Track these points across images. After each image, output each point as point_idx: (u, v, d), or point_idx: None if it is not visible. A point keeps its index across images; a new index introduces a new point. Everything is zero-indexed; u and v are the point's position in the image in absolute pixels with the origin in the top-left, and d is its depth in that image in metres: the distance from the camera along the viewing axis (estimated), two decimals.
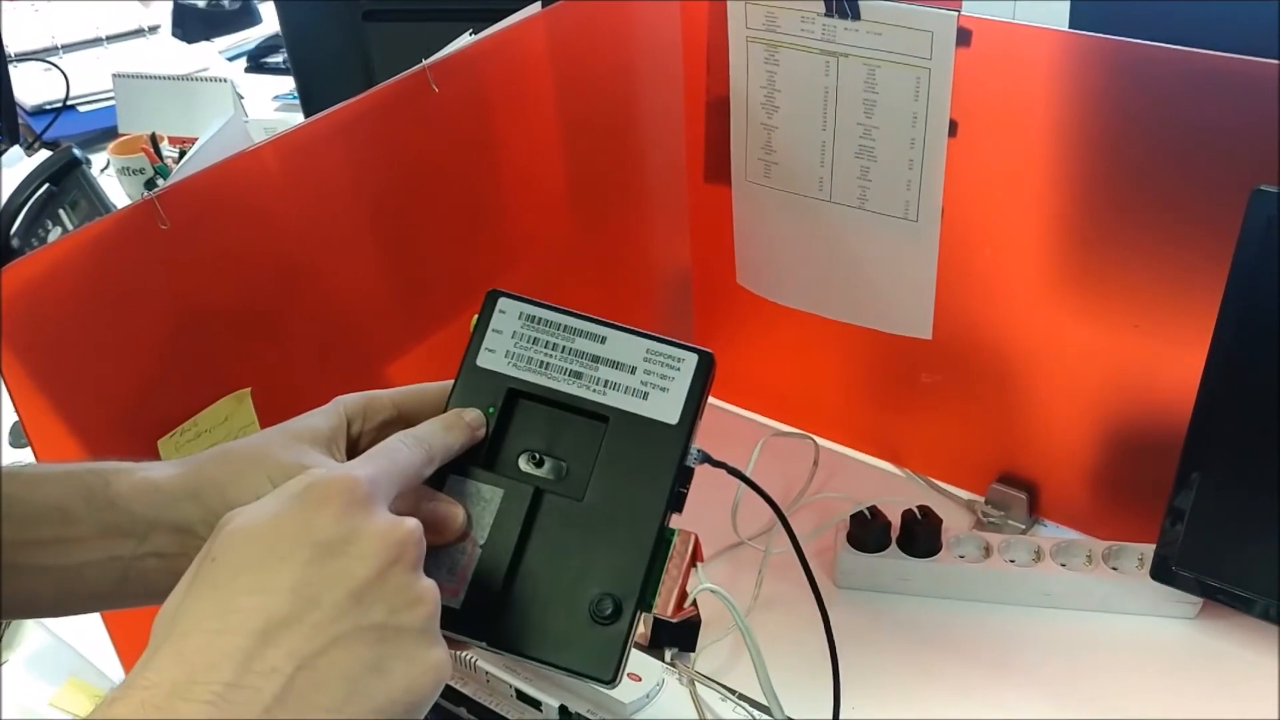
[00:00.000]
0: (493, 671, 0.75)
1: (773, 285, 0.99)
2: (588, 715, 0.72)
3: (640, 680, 0.73)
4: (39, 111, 1.77)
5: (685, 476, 0.53)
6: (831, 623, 0.87)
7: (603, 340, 0.54)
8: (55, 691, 0.82)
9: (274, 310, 0.73)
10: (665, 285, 1.10)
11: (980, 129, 0.82)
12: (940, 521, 0.88)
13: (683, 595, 0.51)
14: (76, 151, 1.32)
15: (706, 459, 0.54)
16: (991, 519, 0.94)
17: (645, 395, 0.52)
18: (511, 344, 0.54)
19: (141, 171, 1.44)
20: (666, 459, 0.51)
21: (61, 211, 1.28)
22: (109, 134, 1.62)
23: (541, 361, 0.54)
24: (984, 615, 0.87)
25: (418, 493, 0.51)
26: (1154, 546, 0.80)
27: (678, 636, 0.82)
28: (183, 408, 0.67)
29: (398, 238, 0.81)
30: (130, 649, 0.70)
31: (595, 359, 0.53)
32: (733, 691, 0.73)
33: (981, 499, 0.96)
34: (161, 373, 0.67)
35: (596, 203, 0.99)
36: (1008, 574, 0.87)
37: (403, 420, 0.55)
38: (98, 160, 1.50)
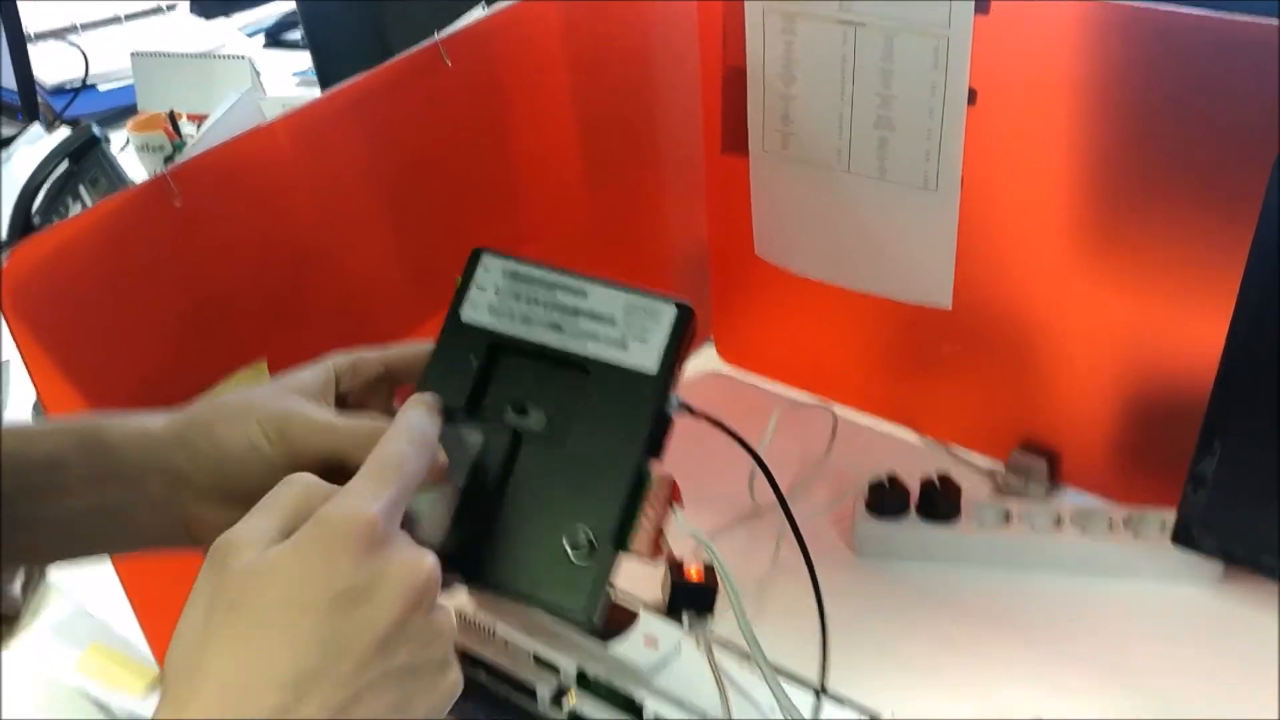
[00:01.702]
0: (511, 637, 0.76)
1: (791, 256, 0.99)
2: (605, 679, 0.73)
3: (657, 644, 0.73)
4: (59, 90, 1.78)
5: (664, 424, 0.54)
6: (850, 591, 0.88)
7: (583, 294, 0.55)
8: (79, 658, 0.83)
9: (288, 290, 0.73)
10: (682, 257, 1.10)
11: (1000, 97, 0.82)
12: (960, 489, 0.88)
13: (659, 536, 0.53)
14: (96, 129, 1.33)
15: (686, 408, 0.55)
16: (1012, 486, 0.94)
17: (625, 346, 0.54)
18: (494, 299, 0.56)
19: (160, 149, 1.45)
20: (644, 406, 0.53)
21: (82, 189, 1.29)
22: (128, 112, 1.63)
23: (523, 315, 0.55)
24: (1004, 582, 0.87)
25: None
26: (1175, 512, 0.80)
27: (695, 600, 0.83)
28: (198, 386, 0.68)
29: (411, 215, 0.81)
30: (150, 616, 0.71)
31: (576, 311, 0.55)
32: (750, 656, 0.73)
33: (1002, 466, 0.96)
34: (177, 350, 0.67)
35: (612, 176, 0.99)
36: (1028, 540, 0.87)
37: (390, 377, 0.57)
38: (117, 138, 1.50)
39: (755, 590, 0.87)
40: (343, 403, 0.56)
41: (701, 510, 0.92)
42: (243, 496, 0.51)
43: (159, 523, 0.54)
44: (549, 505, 0.52)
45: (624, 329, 0.54)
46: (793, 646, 0.81)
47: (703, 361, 1.15)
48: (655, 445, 0.54)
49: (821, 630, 0.71)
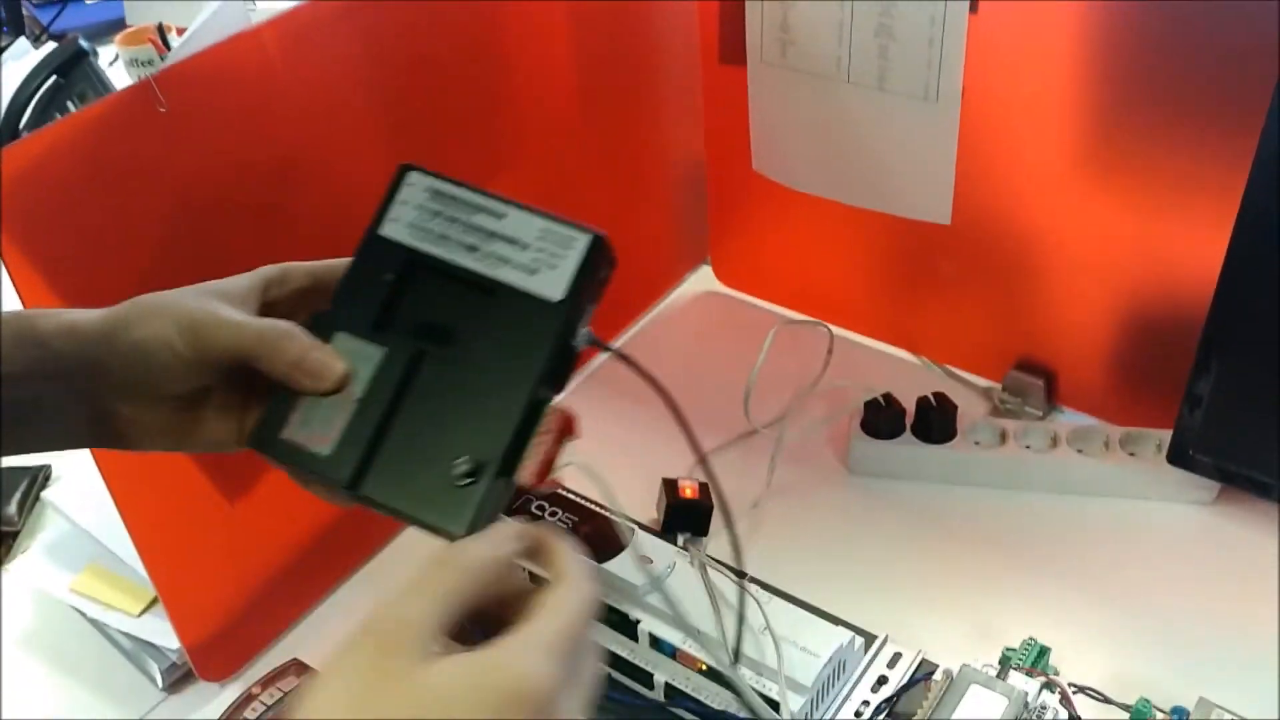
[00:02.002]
0: None
1: (789, 170, 0.97)
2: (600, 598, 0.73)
3: (652, 563, 0.73)
4: (45, 3, 1.74)
5: (567, 356, 0.53)
6: (844, 510, 0.88)
7: (501, 216, 0.54)
8: (75, 578, 0.83)
9: (277, 197, 0.72)
10: (679, 172, 1.08)
11: (1003, 4, 0.80)
12: (955, 408, 0.87)
13: (548, 467, 0.52)
14: (83, 43, 1.30)
15: (595, 342, 0.55)
16: (1009, 406, 0.94)
17: (534, 272, 0.53)
18: (414, 216, 0.55)
19: (150, 63, 1.42)
20: (545, 334, 0.52)
21: (70, 104, 1.27)
22: (117, 25, 1.59)
23: (441, 234, 0.54)
24: (999, 501, 0.87)
25: (303, 344, 0.52)
26: (1171, 432, 0.80)
27: (690, 521, 0.83)
28: None
29: (403, 125, 0.79)
30: (146, 538, 0.71)
31: (491, 234, 0.54)
32: (743, 575, 0.73)
33: (999, 386, 0.95)
34: (162, 260, 0.66)
35: (607, 88, 0.97)
36: (1024, 460, 0.87)
37: (318, 289, 0.56)
38: (105, 52, 1.47)
39: (749, 509, 0.87)
40: (271, 309, 0.56)
41: (697, 430, 0.92)
42: (160, 394, 0.54)
43: (85, 418, 0.54)
44: (441, 427, 0.52)
45: (536, 255, 0.53)
46: (786, 564, 0.81)
47: (699, 282, 1.14)
48: (556, 376, 0.53)
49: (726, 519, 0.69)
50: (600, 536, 0.75)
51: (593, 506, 0.78)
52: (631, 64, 0.98)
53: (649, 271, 1.10)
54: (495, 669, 0.42)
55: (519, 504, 0.78)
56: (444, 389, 0.53)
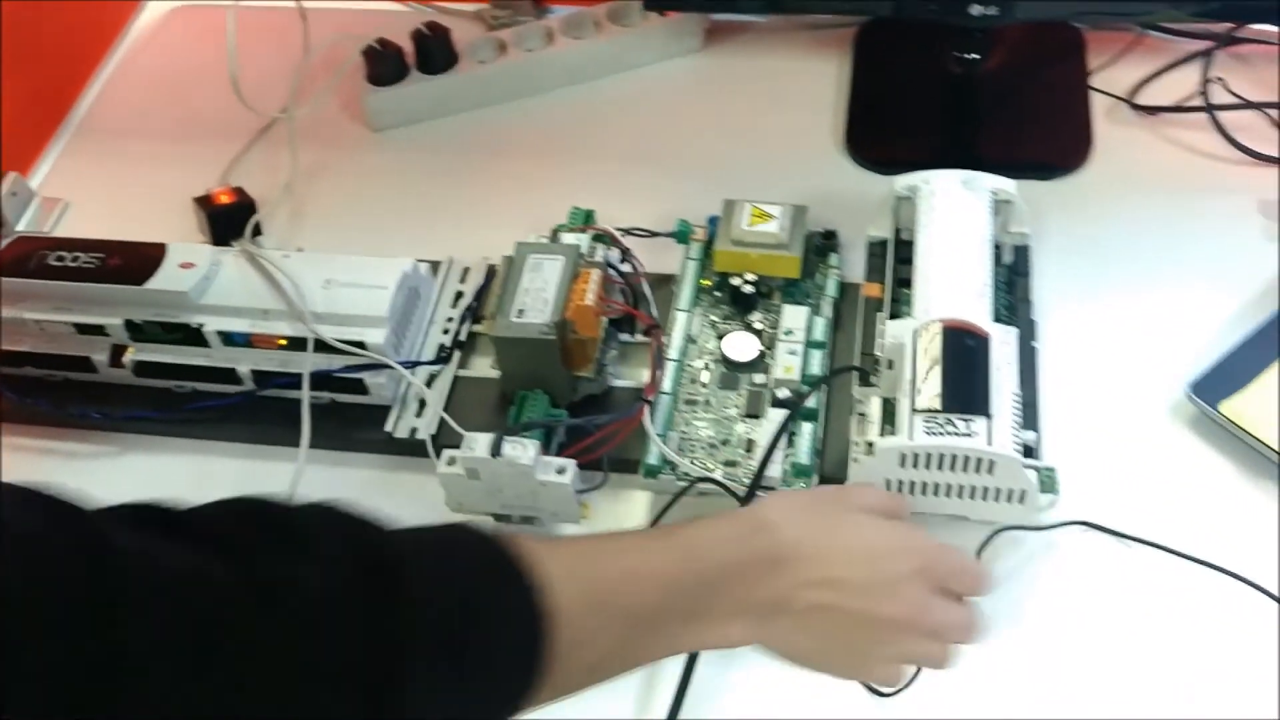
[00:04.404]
0: (44, 319, 0.71)
1: None
2: (155, 318, 0.70)
3: (195, 266, 0.70)
4: None
5: None
6: (377, 168, 0.88)
7: None
8: None
9: None
10: None
11: None
12: (449, 30, 0.87)
13: None
14: None
15: None
16: (501, 20, 0.94)
17: None
18: None
19: None
20: None
21: None
22: None
23: None
24: (519, 109, 0.90)
25: None
26: None
27: (237, 225, 0.79)
28: None
29: None
30: None
31: None
32: (299, 250, 0.73)
33: (486, 5, 0.95)
34: None
35: None
36: (527, 61, 0.89)
37: None
38: None
39: (284, 195, 0.84)
40: None
41: (207, 141, 0.87)
42: None
43: None
44: None
45: None
46: (336, 231, 0.83)
47: (159, 3, 1.05)
48: None
49: None
50: (135, 262, 0.71)
51: (112, 240, 0.73)
52: None
53: (97, 4, 1.00)
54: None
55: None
56: None
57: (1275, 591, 0.60)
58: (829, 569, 0.49)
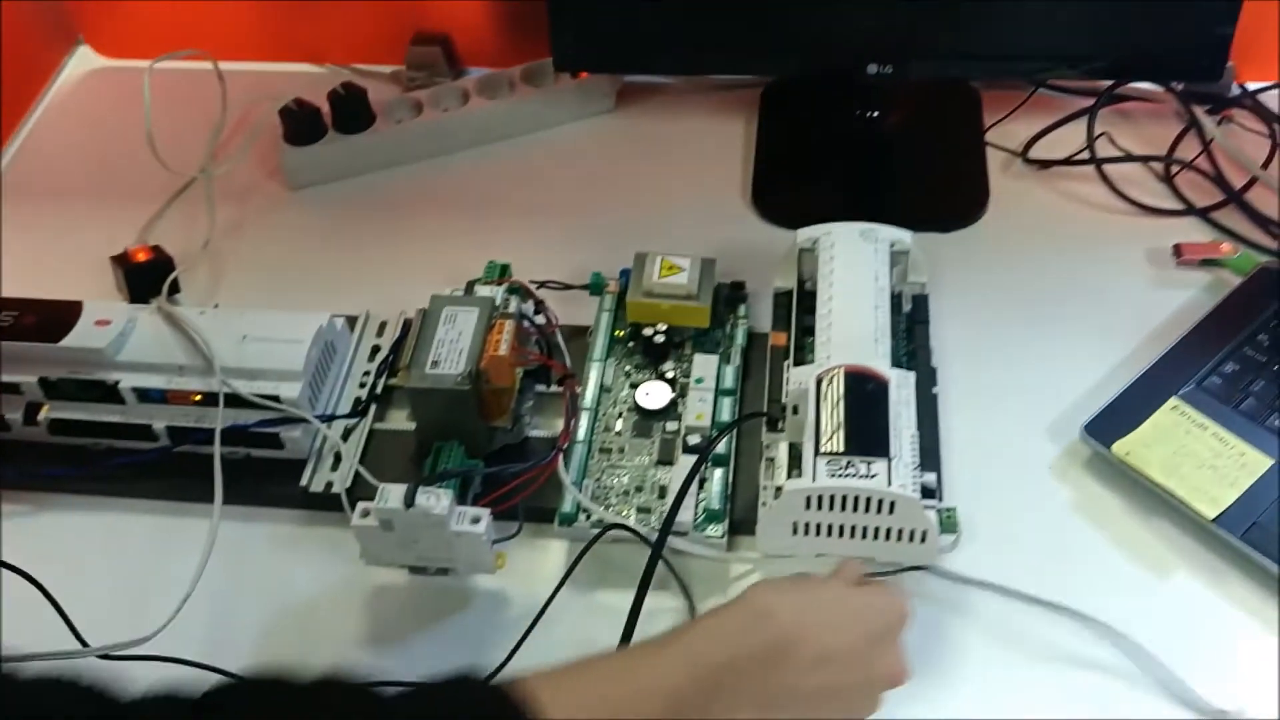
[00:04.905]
0: None
1: None
2: (70, 375, 0.70)
3: (110, 323, 0.71)
4: None
5: None
6: (292, 225, 0.89)
7: None
8: None
9: None
10: None
11: None
12: (365, 91, 0.89)
13: None
14: None
15: None
16: (418, 80, 0.96)
17: None
18: None
19: None
20: None
21: None
22: None
23: None
24: (435, 167, 0.91)
25: None
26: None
27: (153, 282, 0.80)
28: None
29: None
30: None
31: None
32: (216, 305, 0.73)
33: (403, 68, 0.97)
34: None
35: None
36: (443, 121, 0.91)
37: None
38: None
39: (202, 253, 0.85)
40: None
41: (124, 203, 0.88)
42: None
43: None
44: None
45: None
46: (253, 289, 0.83)
47: (81, 62, 1.06)
48: None
49: None
50: (50, 320, 0.72)
51: (27, 298, 0.74)
52: None
53: (17, 65, 1.01)
54: None
55: None
56: None
57: (1127, 635, 0.62)
58: (822, 643, 0.52)
